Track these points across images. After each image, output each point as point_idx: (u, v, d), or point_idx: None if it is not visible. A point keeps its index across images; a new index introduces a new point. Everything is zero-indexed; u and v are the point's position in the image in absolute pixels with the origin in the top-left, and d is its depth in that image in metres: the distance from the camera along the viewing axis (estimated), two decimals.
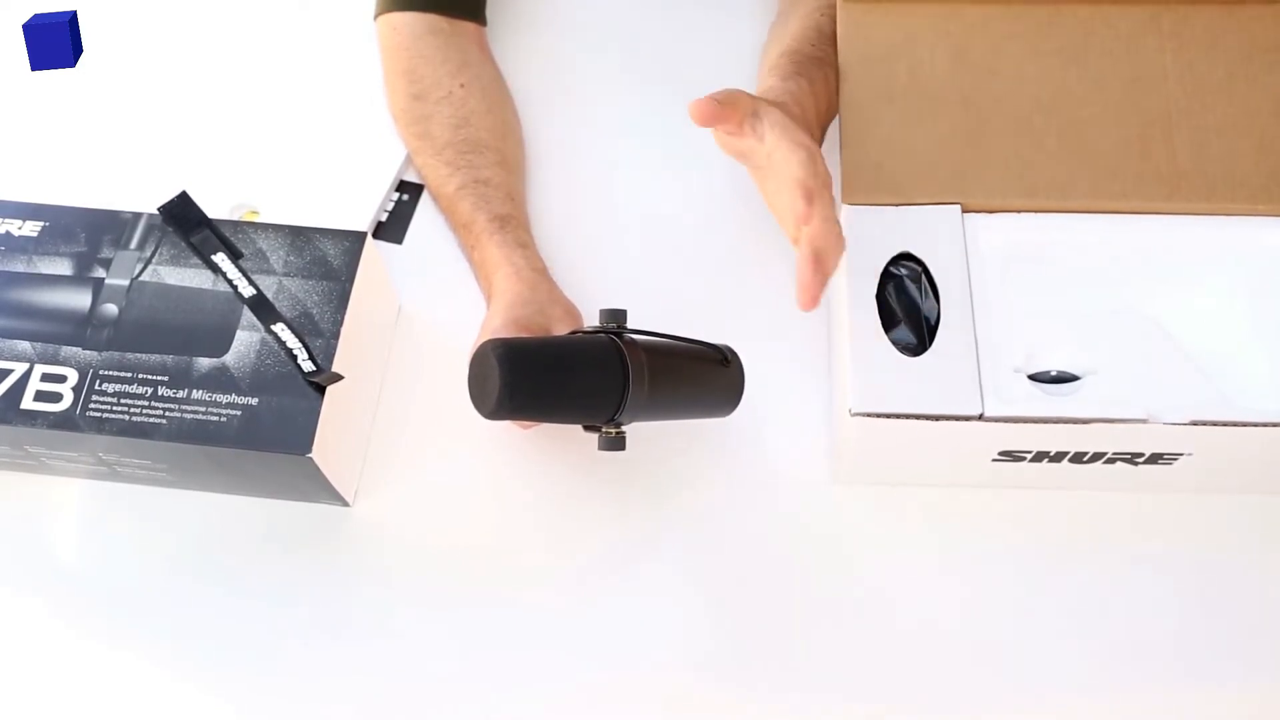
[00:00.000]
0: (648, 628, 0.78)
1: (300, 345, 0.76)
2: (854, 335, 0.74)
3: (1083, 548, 0.79)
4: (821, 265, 0.69)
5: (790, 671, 0.76)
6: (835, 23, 0.85)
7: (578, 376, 0.70)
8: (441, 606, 0.79)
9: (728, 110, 0.72)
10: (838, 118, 0.81)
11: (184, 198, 0.81)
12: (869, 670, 0.76)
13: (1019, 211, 0.78)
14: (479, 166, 0.89)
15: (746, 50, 0.96)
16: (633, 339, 0.73)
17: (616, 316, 0.74)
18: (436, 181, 0.90)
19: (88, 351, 0.76)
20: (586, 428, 0.75)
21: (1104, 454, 0.75)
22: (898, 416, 0.72)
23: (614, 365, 0.71)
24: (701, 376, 0.76)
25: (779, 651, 0.77)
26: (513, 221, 0.87)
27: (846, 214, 0.78)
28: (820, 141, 0.83)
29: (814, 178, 0.70)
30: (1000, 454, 0.76)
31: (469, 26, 0.95)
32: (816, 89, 0.82)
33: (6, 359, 0.76)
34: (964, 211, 0.77)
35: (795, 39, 0.86)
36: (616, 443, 0.73)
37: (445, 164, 0.89)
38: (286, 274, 0.79)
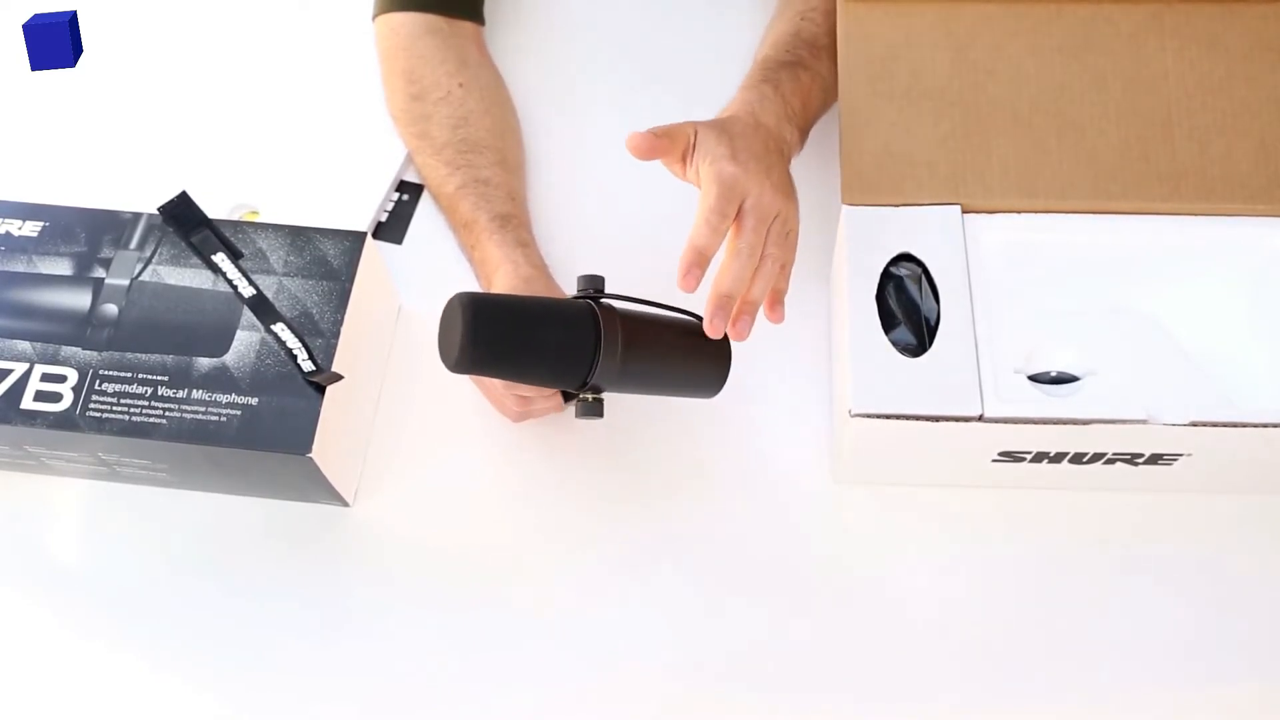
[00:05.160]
0: (647, 628, 0.78)
1: (300, 345, 0.76)
2: (854, 335, 0.74)
3: (1082, 548, 0.79)
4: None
5: (790, 671, 0.76)
6: (818, 26, 0.86)
7: (545, 334, 0.70)
8: (441, 606, 0.79)
9: (664, 144, 0.72)
10: (839, 118, 0.81)
11: (184, 198, 0.81)
12: (869, 670, 0.76)
13: (1019, 211, 0.78)
14: (479, 166, 0.89)
15: (744, 48, 0.95)
16: (610, 304, 0.73)
17: (594, 281, 0.73)
18: (436, 181, 0.91)
19: (88, 351, 0.76)
20: (566, 397, 0.74)
21: (1104, 454, 0.75)
22: (898, 417, 0.72)
23: (585, 326, 0.70)
24: (682, 347, 0.75)
25: (779, 651, 0.77)
26: (513, 221, 0.87)
27: (846, 214, 0.78)
28: (803, 139, 0.83)
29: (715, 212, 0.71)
30: (1000, 454, 0.76)
31: (467, 26, 0.95)
32: (784, 91, 0.81)
33: (6, 359, 0.76)
34: (964, 211, 0.77)
35: (772, 46, 0.86)
36: (593, 409, 0.72)
37: (444, 164, 0.89)
38: (286, 274, 0.79)
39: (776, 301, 0.75)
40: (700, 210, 0.71)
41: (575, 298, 0.74)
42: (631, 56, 1.01)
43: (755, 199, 0.72)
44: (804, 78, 0.83)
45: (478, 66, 0.94)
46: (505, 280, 0.83)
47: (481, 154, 0.89)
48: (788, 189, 0.76)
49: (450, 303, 0.68)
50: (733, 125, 0.76)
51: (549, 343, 0.70)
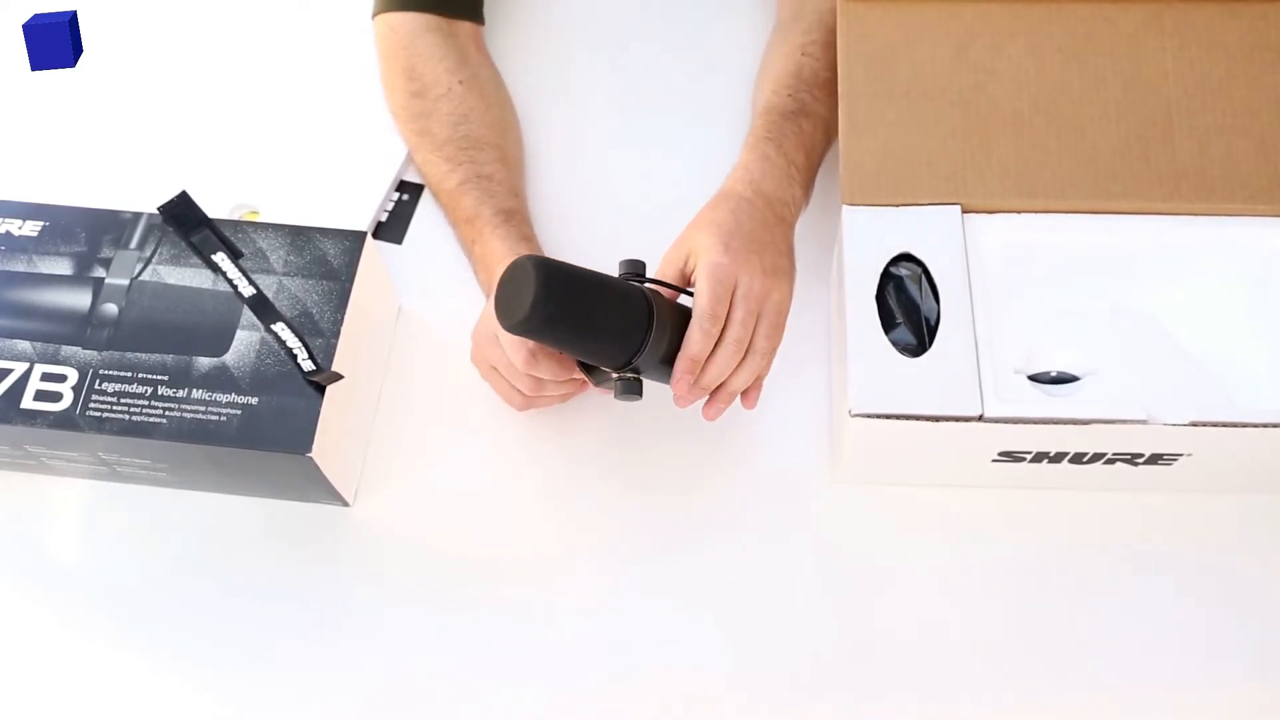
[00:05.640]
0: (647, 627, 0.78)
1: (300, 345, 0.76)
2: (854, 335, 0.74)
3: (1082, 548, 0.79)
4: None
5: (789, 670, 0.76)
6: (818, 60, 0.86)
7: (607, 306, 0.70)
8: (441, 606, 0.79)
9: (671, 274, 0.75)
10: (839, 118, 0.81)
11: (184, 198, 0.81)
12: (868, 669, 0.76)
13: (1019, 211, 0.78)
14: (480, 162, 0.89)
15: (743, 48, 0.96)
16: (654, 288, 0.73)
17: (635, 266, 0.74)
18: (437, 177, 0.90)
19: (88, 351, 0.76)
20: (597, 382, 0.74)
21: (1104, 454, 0.75)
22: (898, 417, 0.72)
23: (640, 305, 0.70)
24: None
25: (778, 651, 0.77)
26: (517, 216, 0.87)
27: (846, 214, 0.78)
28: (809, 193, 0.84)
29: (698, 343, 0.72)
30: (1000, 454, 0.76)
31: (466, 26, 0.95)
32: (787, 148, 0.82)
33: (6, 359, 0.76)
34: (964, 211, 0.77)
35: (774, 91, 0.86)
36: (634, 388, 0.72)
37: (445, 160, 0.89)
38: (286, 274, 0.79)
39: (755, 388, 0.77)
40: (695, 314, 0.72)
41: (622, 278, 0.74)
42: (631, 56, 1.01)
43: (746, 287, 0.73)
44: (806, 127, 0.84)
45: (478, 65, 0.94)
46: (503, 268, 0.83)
47: (483, 150, 0.89)
48: (780, 267, 0.76)
49: (518, 263, 0.68)
50: (725, 205, 0.78)
51: (608, 315, 0.70)
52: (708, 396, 0.75)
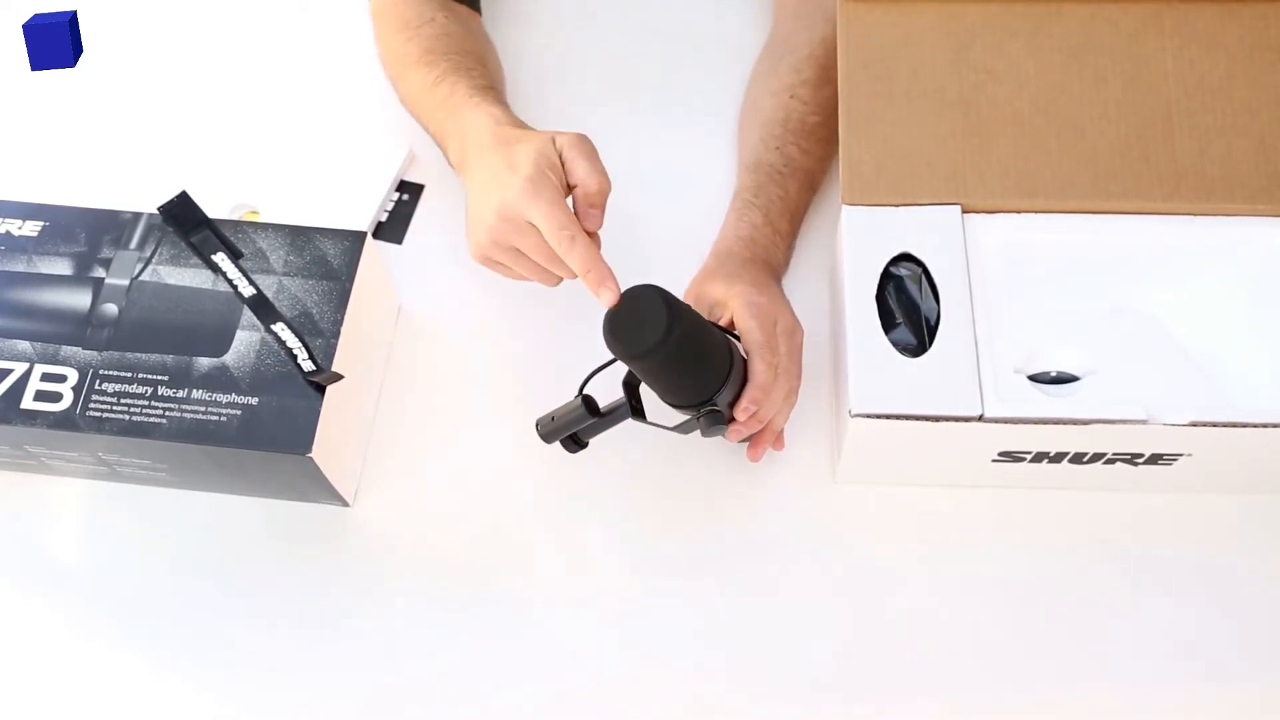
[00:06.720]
0: (647, 627, 0.78)
1: (300, 345, 0.76)
2: (854, 335, 0.74)
3: (1082, 548, 0.79)
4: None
5: (789, 670, 0.76)
6: (805, 104, 0.87)
7: (707, 340, 0.70)
8: (441, 606, 0.79)
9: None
10: (839, 118, 0.81)
11: (184, 198, 0.81)
12: (868, 670, 0.76)
13: (1019, 211, 0.78)
14: (458, 60, 0.87)
15: (741, 46, 0.96)
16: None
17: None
18: (419, 89, 0.87)
19: (88, 351, 0.76)
20: (677, 426, 0.75)
21: (1104, 454, 0.75)
22: (898, 417, 0.72)
23: (722, 340, 0.71)
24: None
25: (779, 651, 0.77)
26: (493, 92, 0.84)
27: (846, 214, 0.78)
28: (792, 250, 0.86)
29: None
30: (1000, 454, 0.76)
31: (460, 7, 0.94)
32: (773, 215, 0.84)
33: (6, 359, 0.76)
34: (964, 211, 0.77)
35: (762, 139, 0.87)
36: (719, 419, 0.72)
37: (426, 66, 0.87)
38: (286, 274, 0.79)
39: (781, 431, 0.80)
40: (752, 348, 0.73)
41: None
42: (628, 54, 1.01)
43: (784, 324, 0.76)
44: (792, 189, 0.85)
45: (465, 15, 0.93)
46: (481, 131, 0.79)
47: (464, 55, 0.88)
48: (794, 313, 0.79)
49: (640, 291, 0.67)
50: (733, 262, 0.81)
51: (708, 350, 0.70)
52: (750, 437, 0.78)
